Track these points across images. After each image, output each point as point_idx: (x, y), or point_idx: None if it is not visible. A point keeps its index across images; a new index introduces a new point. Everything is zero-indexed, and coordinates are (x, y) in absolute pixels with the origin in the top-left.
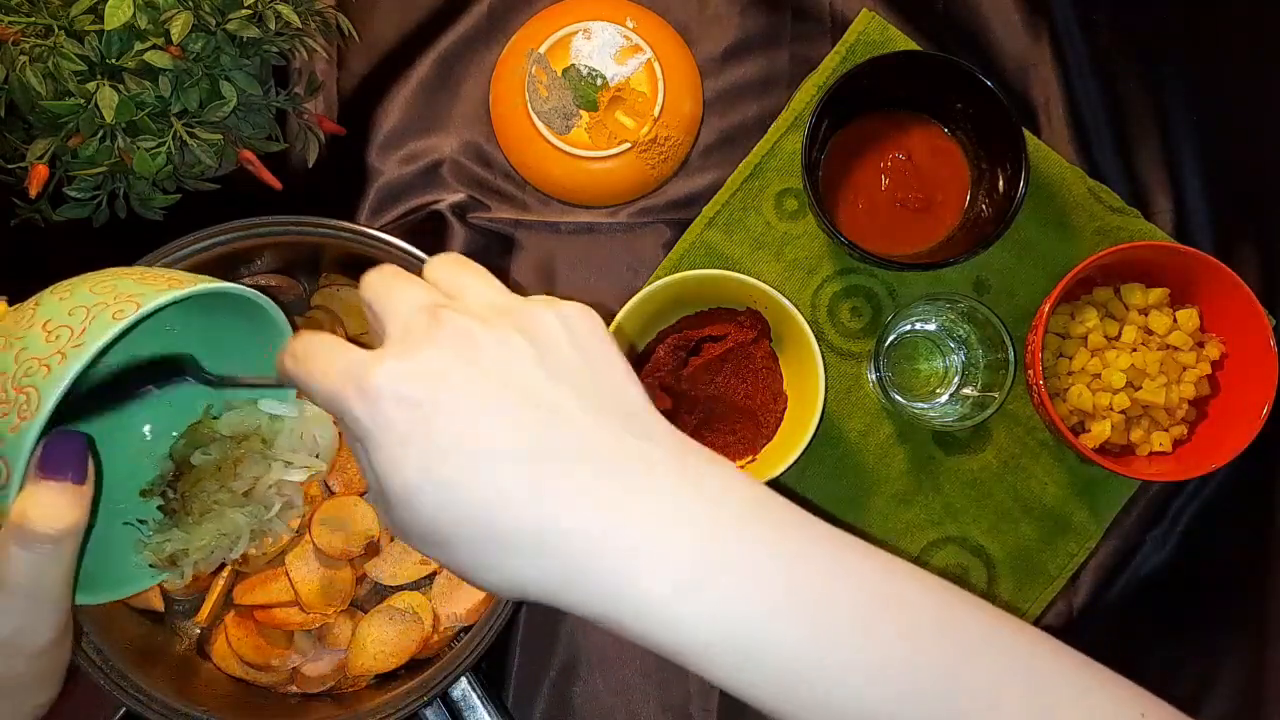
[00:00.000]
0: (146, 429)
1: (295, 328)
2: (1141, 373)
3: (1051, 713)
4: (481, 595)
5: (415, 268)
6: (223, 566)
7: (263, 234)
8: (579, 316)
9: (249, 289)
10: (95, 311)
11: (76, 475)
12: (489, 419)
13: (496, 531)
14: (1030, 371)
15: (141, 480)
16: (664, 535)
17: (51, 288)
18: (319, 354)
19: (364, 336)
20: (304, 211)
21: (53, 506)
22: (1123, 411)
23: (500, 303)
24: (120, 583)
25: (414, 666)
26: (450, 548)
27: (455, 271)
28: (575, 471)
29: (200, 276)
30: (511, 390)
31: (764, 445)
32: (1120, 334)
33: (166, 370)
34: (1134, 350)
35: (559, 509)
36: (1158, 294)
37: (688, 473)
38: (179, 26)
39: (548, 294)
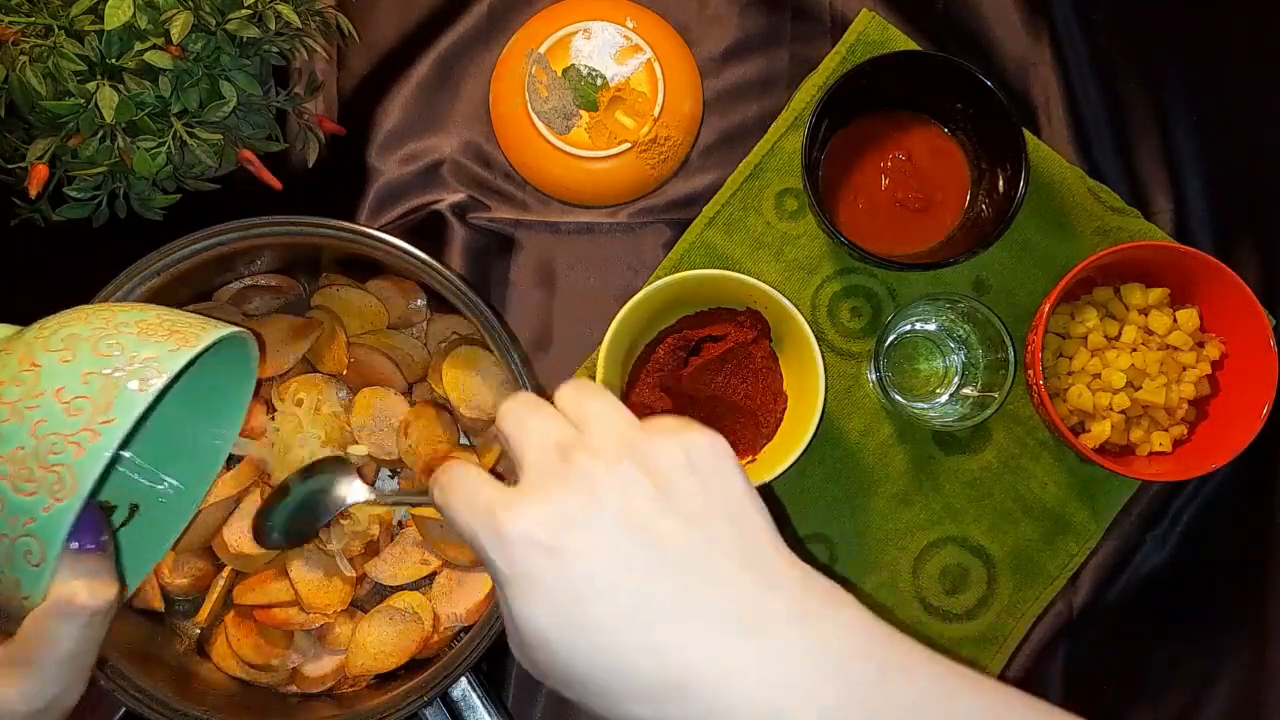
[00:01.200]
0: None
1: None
2: (1141, 373)
3: None
4: (482, 595)
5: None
6: (223, 566)
7: (263, 234)
8: (702, 442)
9: (245, 330)
10: (116, 380)
11: (103, 544)
12: (614, 565)
13: (627, 676)
14: (1030, 371)
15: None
16: (791, 687)
17: (39, 334)
18: (460, 488)
19: (366, 337)
20: (304, 211)
21: (96, 579)
22: (1123, 411)
23: (627, 433)
24: None
25: (414, 666)
26: (582, 690)
27: (582, 400)
28: (695, 620)
29: (194, 319)
30: (633, 533)
31: (764, 445)
32: (1120, 334)
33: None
34: (1134, 350)
35: (680, 659)
36: (1158, 294)
37: (809, 621)
38: (179, 26)
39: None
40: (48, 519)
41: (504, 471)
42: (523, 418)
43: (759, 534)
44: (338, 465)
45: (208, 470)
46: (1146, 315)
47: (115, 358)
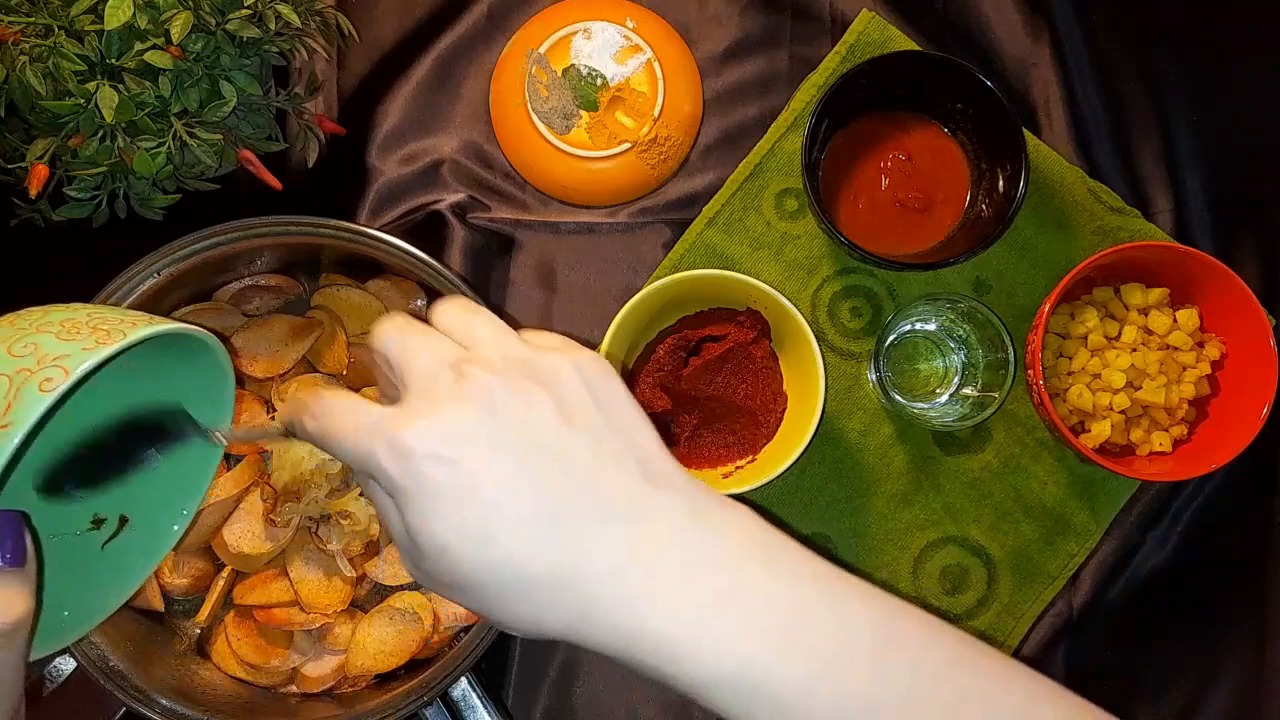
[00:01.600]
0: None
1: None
2: (1141, 373)
3: None
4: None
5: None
6: (223, 567)
7: (263, 234)
8: (592, 364)
9: (186, 325)
10: (19, 381)
11: (18, 559)
12: (516, 476)
13: (522, 579)
14: (1030, 371)
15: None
16: (674, 577)
17: None
18: (342, 412)
19: (365, 337)
20: (304, 211)
21: (4, 594)
22: (1123, 411)
23: (517, 354)
24: (91, 613)
25: (414, 666)
26: (476, 593)
27: (466, 320)
28: (594, 521)
29: (129, 318)
30: (535, 446)
31: (764, 445)
32: (1120, 334)
33: (158, 431)
34: (1134, 350)
35: (579, 556)
36: (1158, 294)
37: (698, 517)
38: (179, 26)
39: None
40: None
41: None
42: (408, 337)
43: (649, 445)
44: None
45: (199, 478)
46: (1146, 315)
47: (25, 358)
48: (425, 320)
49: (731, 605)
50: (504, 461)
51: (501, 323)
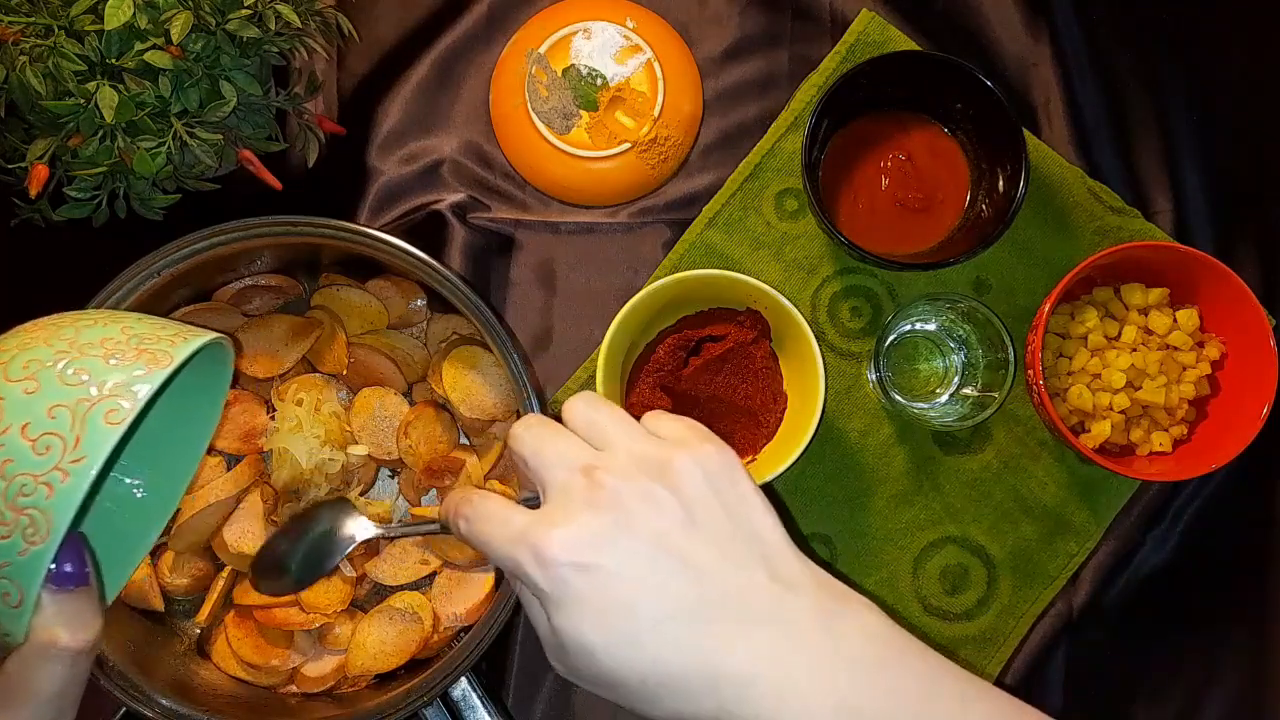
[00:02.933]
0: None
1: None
2: (1141, 373)
3: None
4: (482, 595)
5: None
6: (223, 566)
7: (263, 234)
8: (716, 458)
9: (220, 336)
10: (81, 412)
11: (84, 579)
12: (651, 581)
13: (662, 680)
14: (1030, 371)
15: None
16: (806, 683)
17: None
18: (490, 519)
19: (366, 337)
20: (304, 211)
21: (78, 619)
22: (1123, 411)
23: (644, 451)
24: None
25: (414, 666)
26: (621, 691)
27: (595, 418)
28: (725, 624)
29: (164, 331)
30: (665, 551)
31: (764, 445)
32: (1120, 334)
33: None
34: (1134, 350)
35: (714, 659)
36: (1158, 294)
37: (826, 619)
38: (179, 26)
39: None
40: (23, 563)
41: (503, 473)
42: (541, 441)
43: (775, 540)
44: (340, 506)
45: (184, 471)
46: (1146, 315)
47: (82, 386)
48: (547, 410)
49: (863, 710)
50: (638, 567)
51: (627, 417)
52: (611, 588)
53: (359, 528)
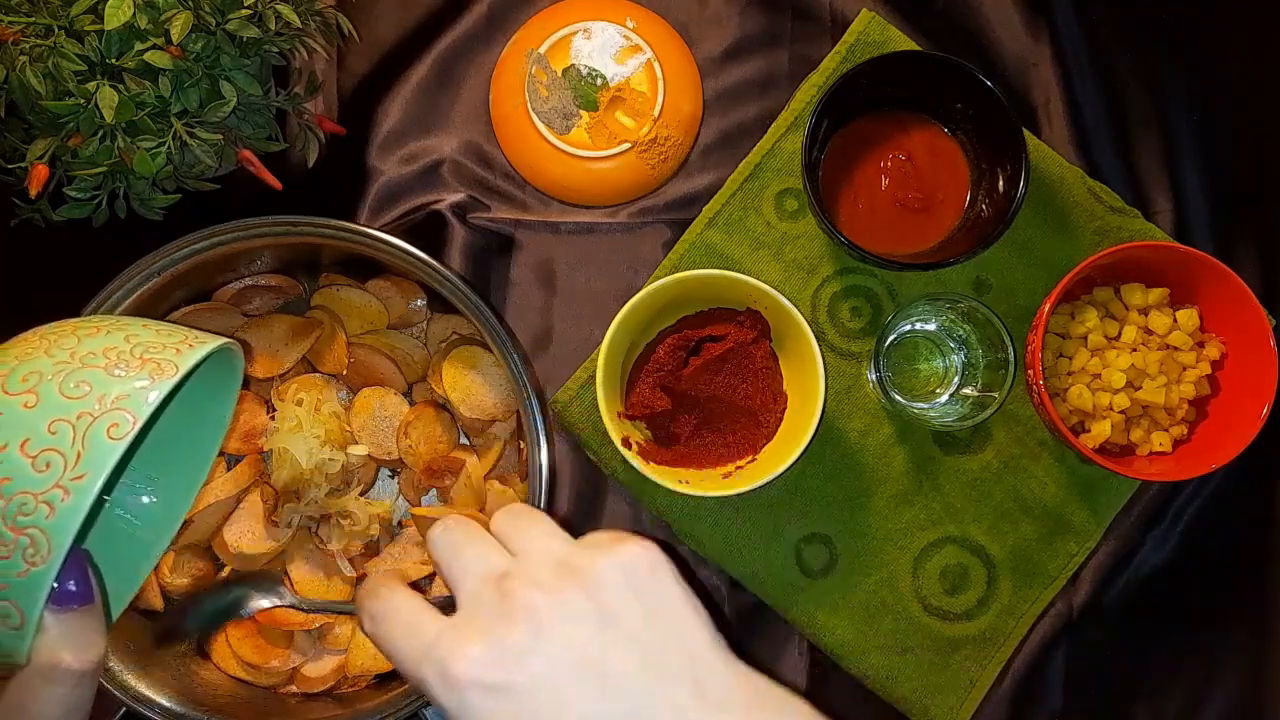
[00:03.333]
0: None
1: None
2: (1141, 373)
3: None
4: None
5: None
6: (223, 566)
7: (263, 234)
8: (639, 559)
9: (229, 341)
10: (83, 427)
11: (89, 597)
12: (566, 698)
13: None
14: (1030, 371)
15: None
16: None
17: None
18: (398, 622)
19: (366, 337)
20: (304, 211)
21: (82, 639)
22: (1123, 411)
23: (563, 557)
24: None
25: None
26: None
27: (517, 526)
28: None
29: (170, 338)
30: (583, 665)
31: (764, 445)
32: (1120, 334)
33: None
34: (1134, 350)
35: None
36: (1158, 294)
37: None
38: (179, 26)
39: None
40: (23, 584)
41: (503, 474)
42: (455, 547)
43: (702, 646)
44: (263, 579)
45: (194, 477)
46: (1146, 315)
47: (83, 399)
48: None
49: None
50: (553, 684)
51: (552, 524)
52: (524, 709)
53: (274, 597)
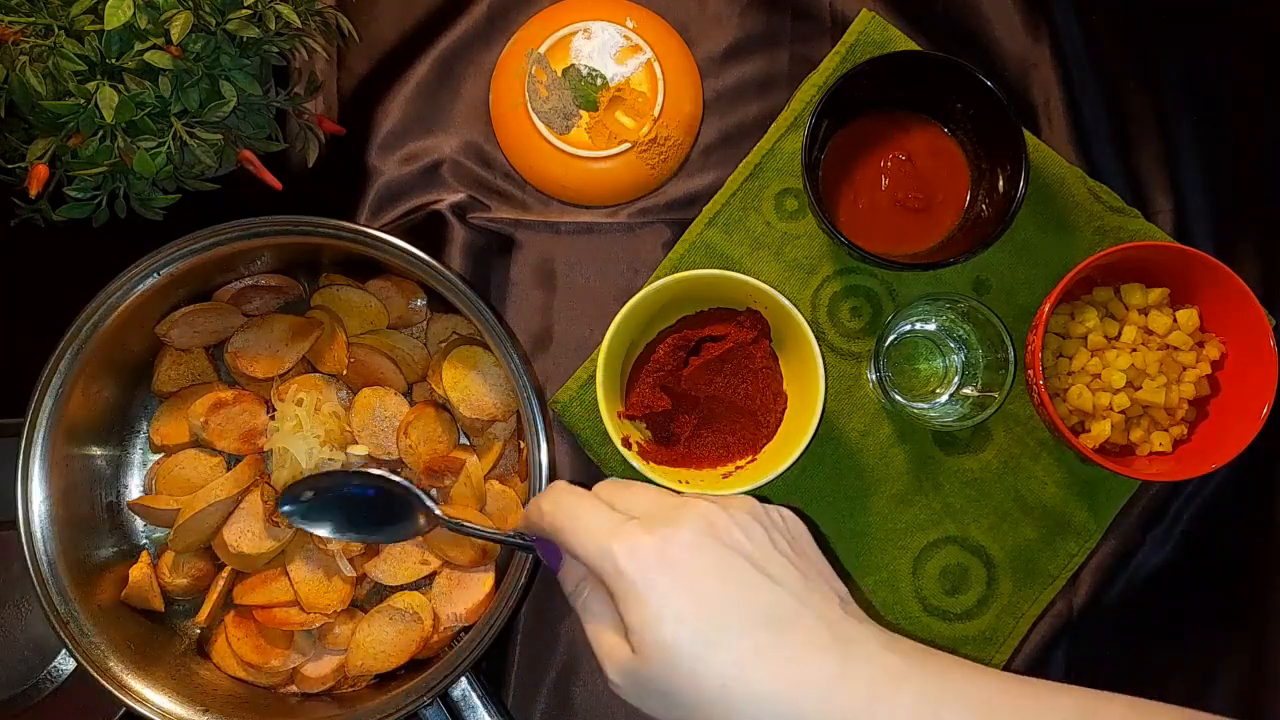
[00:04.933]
0: None
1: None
2: (1141, 373)
3: None
4: (482, 595)
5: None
6: (223, 566)
7: (263, 234)
8: (788, 512)
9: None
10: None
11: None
12: (741, 590)
13: (741, 686)
14: (1030, 371)
15: None
16: (885, 691)
17: None
18: (580, 511)
19: (366, 337)
20: (304, 211)
21: None
22: (1123, 411)
23: (679, 502)
24: None
25: (414, 666)
26: (692, 700)
27: (623, 489)
28: (809, 640)
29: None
30: (754, 567)
31: (764, 445)
32: (1120, 334)
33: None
34: (1134, 350)
35: (798, 671)
36: (1158, 294)
37: (892, 642)
38: (179, 26)
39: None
40: None
41: (503, 474)
42: (574, 511)
43: (839, 586)
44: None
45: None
46: (1146, 315)
47: None
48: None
49: (943, 712)
50: (730, 575)
51: (659, 490)
52: (700, 587)
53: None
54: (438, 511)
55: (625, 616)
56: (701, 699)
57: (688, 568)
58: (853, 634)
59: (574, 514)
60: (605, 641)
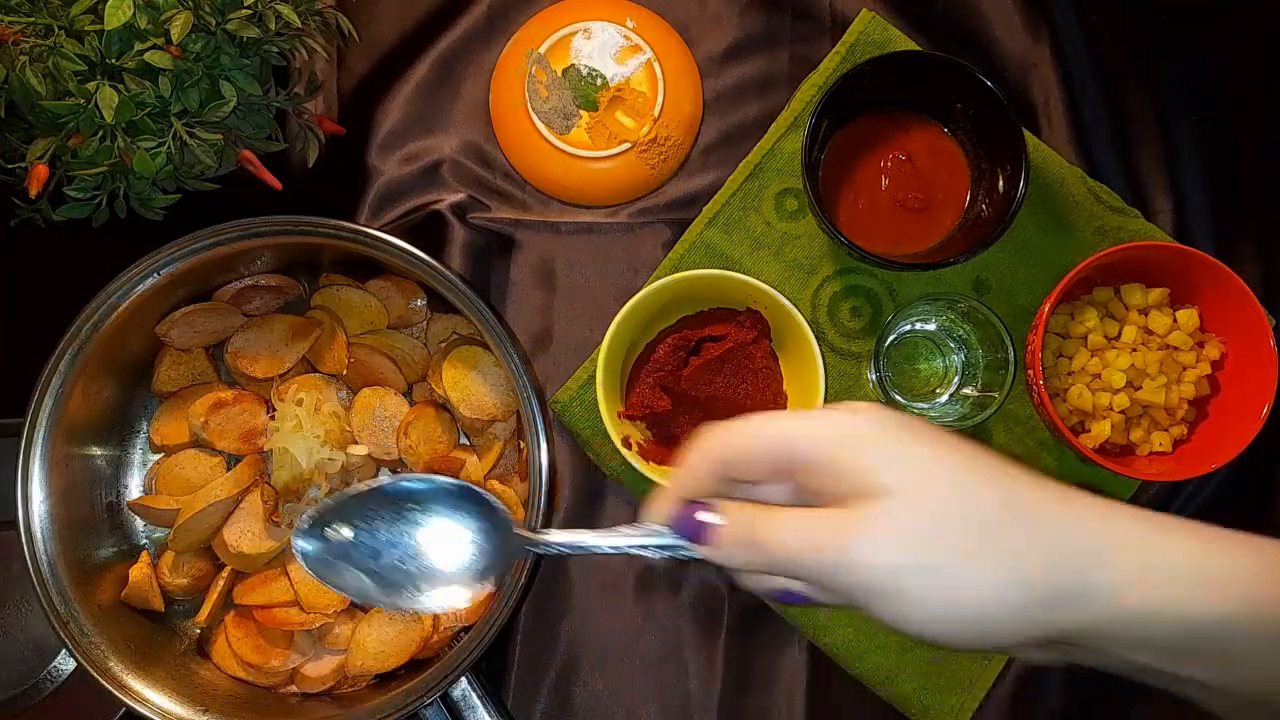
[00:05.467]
0: None
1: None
2: (1141, 373)
3: None
4: (482, 595)
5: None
6: (223, 566)
7: (263, 234)
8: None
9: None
10: None
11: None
12: (971, 477)
13: (1036, 556)
14: (1030, 371)
15: None
16: (1154, 548)
17: None
18: (792, 523)
19: (366, 337)
20: (304, 211)
21: None
22: (1122, 411)
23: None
24: None
25: (414, 666)
26: (990, 598)
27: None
28: (1069, 503)
29: None
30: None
31: None
32: (1120, 334)
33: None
34: (1134, 350)
35: (1067, 528)
36: (1158, 294)
37: (1111, 502)
38: (179, 26)
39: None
40: None
41: (503, 474)
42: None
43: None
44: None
45: None
46: (1146, 315)
47: None
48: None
49: (1213, 561)
50: (949, 470)
51: None
52: (944, 560)
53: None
54: (529, 535)
55: (871, 611)
56: (1009, 593)
57: (927, 550)
58: (1069, 496)
59: (775, 527)
60: (837, 520)
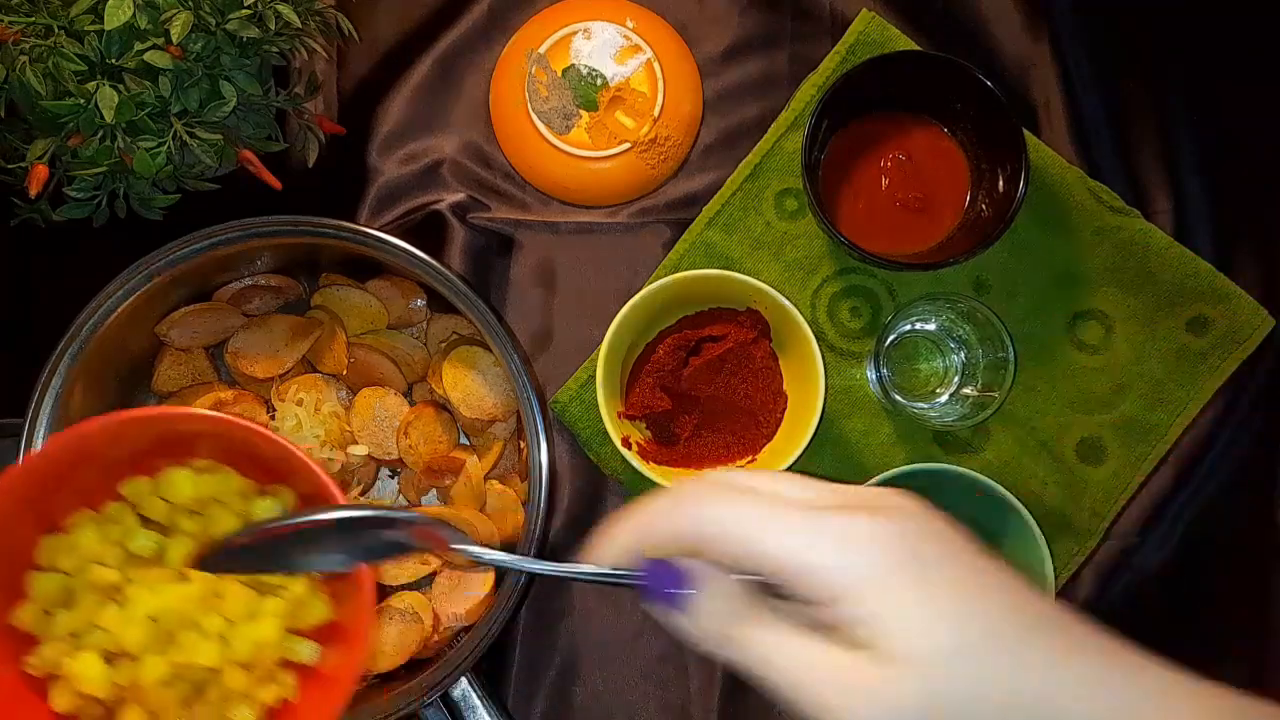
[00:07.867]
0: None
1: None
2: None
3: None
4: (482, 595)
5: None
6: None
7: (263, 234)
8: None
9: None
10: None
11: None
12: (989, 581)
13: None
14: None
15: None
16: (1127, 678)
17: None
18: (795, 658)
19: (366, 337)
20: (304, 211)
21: None
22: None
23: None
24: None
25: (414, 666)
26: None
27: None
28: (1055, 639)
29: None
30: (988, 567)
31: (764, 445)
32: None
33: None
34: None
35: (1046, 680)
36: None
37: (1087, 624)
38: (179, 26)
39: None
40: None
41: (503, 474)
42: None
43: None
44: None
45: None
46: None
47: None
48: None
49: (1174, 693)
50: (976, 566)
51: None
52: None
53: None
54: (478, 553)
55: (861, 626)
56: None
57: (941, 697)
58: (1063, 619)
59: (779, 659)
60: (826, 665)
